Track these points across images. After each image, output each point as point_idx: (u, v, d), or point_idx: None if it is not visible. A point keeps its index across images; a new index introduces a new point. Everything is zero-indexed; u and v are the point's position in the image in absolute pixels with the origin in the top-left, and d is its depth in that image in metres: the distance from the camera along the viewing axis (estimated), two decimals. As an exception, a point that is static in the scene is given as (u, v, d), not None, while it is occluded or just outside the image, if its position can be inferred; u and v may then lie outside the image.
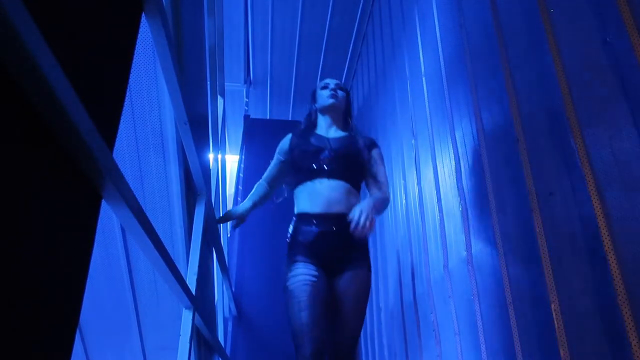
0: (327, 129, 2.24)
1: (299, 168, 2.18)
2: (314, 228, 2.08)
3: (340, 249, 2.09)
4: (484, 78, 1.78)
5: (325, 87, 2.30)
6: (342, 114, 2.26)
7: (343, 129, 2.23)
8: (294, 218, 2.18)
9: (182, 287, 1.38)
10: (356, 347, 2.07)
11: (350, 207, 2.06)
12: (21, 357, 0.52)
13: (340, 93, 2.26)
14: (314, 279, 1.99)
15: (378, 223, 3.44)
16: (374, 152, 2.16)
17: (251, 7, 4.42)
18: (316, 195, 2.10)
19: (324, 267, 2.09)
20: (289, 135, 2.25)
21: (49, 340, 0.59)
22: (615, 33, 1.08)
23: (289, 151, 2.21)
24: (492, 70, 1.70)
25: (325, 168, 2.09)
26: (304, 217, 2.12)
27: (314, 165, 2.12)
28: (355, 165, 2.14)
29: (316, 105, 2.27)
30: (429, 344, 2.24)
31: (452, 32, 2.13)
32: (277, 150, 2.29)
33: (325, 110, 2.25)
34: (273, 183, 2.26)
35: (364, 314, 2.07)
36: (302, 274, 2.00)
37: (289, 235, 2.16)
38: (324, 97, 2.26)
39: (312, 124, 2.27)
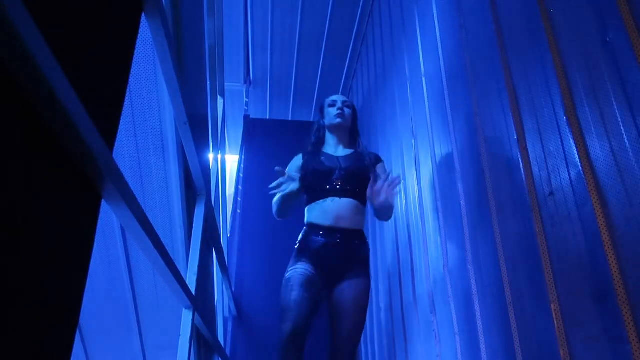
0: (335, 147, 2.39)
1: (312, 187, 2.32)
2: (320, 238, 2.24)
3: (342, 260, 2.25)
4: (484, 78, 1.78)
5: (332, 105, 2.44)
6: (349, 131, 2.41)
7: (350, 146, 2.39)
8: (305, 227, 2.33)
9: (182, 287, 1.38)
10: (355, 354, 2.15)
11: (356, 223, 2.29)
12: (21, 357, 0.52)
13: (347, 111, 2.40)
14: (310, 274, 2.15)
15: (379, 224, 3.44)
16: (378, 167, 2.32)
17: (251, 7, 4.42)
18: (327, 211, 2.25)
19: (324, 274, 2.26)
20: (300, 155, 2.39)
21: (49, 340, 0.59)
22: (615, 33, 1.08)
23: (302, 167, 2.34)
24: (491, 70, 1.70)
25: (338, 188, 2.25)
26: (314, 228, 2.28)
27: (327, 186, 2.28)
28: (363, 181, 2.27)
29: (324, 121, 2.41)
30: (428, 344, 2.24)
31: (452, 32, 2.13)
32: (289, 169, 2.37)
33: (332, 129, 2.39)
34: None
35: (363, 321, 2.22)
36: (301, 268, 2.17)
37: (298, 242, 2.32)
38: (332, 116, 2.40)
39: (320, 140, 2.43)
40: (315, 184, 2.31)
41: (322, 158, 2.36)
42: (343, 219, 2.25)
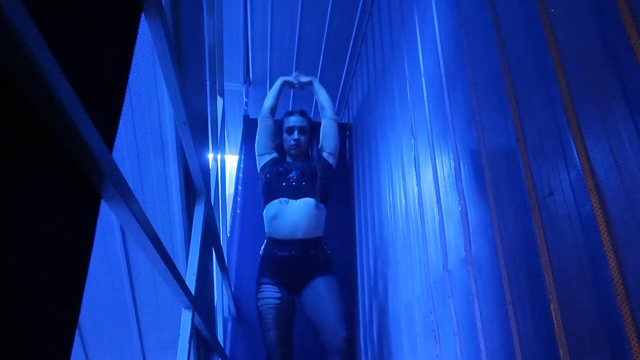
0: (294, 161, 2.73)
1: (269, 186, 2.58)
2: (278, 252, 2.45)
3: (301, 267, 2.46)
4: (483, 77, 1.78)
5: (289, 132, 2.73)
6: (304, 150, 2.75)
7: (306, 159, 2.73)
8: (265, 240, 2.57)
9: (182, 287, 1.38)
10: (351, 336, 2.34)
11: (312, 230, 2.48)
12: (20, 357, 0.52)
13: (302, 138, 2.70)
14: (277, 301, 2.39)
15: (378, 223, 3.43)
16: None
17: (250, 7, 4.42)
18: (282, 220, 2.47)
19: (288, 285, 2.48)
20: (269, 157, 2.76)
21: (48, 340, 0.59)
22: (615, 33, 1.08)
23: (263, 168, 2.69)
24: (491, 70, 1.70)
25: (293, 184, 2.52)
26: (271, 242, 2.51)
27: (283, 183, 2.54)
28: (316, 178, 2.59)
29: (283, 144, 2.76)
30: (428, 344, 2.24)
31: (451, 32, 2.14)
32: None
33: (290, 154, 2.74)
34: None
35: (343, 303, 2.44)
36: (267, 297, 2.40)
37: (259, 255, 2.55)
38: (288, 145, 2.72)
39: (282, 156, 2.77)
40: (272, 183, 2.57)
41: (283, 163, 2.69)
42: (298, 229, 2.47)
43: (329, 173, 2.70)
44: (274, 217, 2.49)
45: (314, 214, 2.50)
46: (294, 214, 2.45)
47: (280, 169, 2.60)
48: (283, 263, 2.45)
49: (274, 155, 2.72)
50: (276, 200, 2.49)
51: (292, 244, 2.45)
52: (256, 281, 2.51)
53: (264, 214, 2.59)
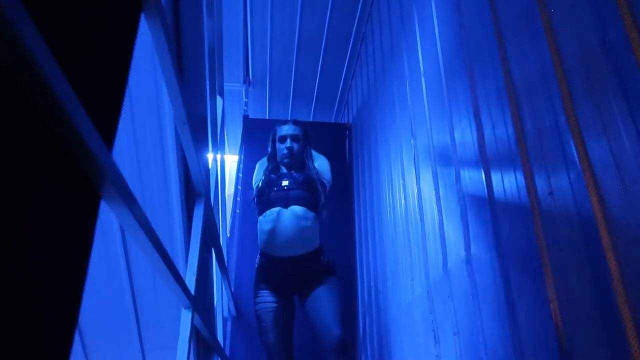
0: (288, 171, 2.70)
1: (261, 195, 2.59)
2: (272, 267, 2.47)
3: (299, 281, 2.48)
4: (483, 78, 1.78)
5: (282, 141, 2.70)
6: (299, 160, 2.69)
7: (301, 170, 2.67)
8: (259, 253, 2.57)
9: (181, 287, 1.38)
10: (346, 334, 2.44)
11: (305, 245, 2.46)
12: (20, 357, 0.52)
13: (295, 147, 2.65)
14: (274, 305, 2.42)
15: (377, 223, 3.44)
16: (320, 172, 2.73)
17: (250, 7, 4.42)
18: (275, 238, 2.44)
19: (285, 291, 2.51)
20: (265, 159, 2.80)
21: (48, 340, 0.59)
22: (614, 33, 1.08)
23: (261, 176, 2.71)
24: (491, 70, 1.70)
25: (285, 188, 2.52)
26: (264, 256, 2.51)
27: (275, 188, 2.54)
28: (311, 188, 2.57)
29: (276, 154, 2.73)
30: (427, 344, 2.24)
31: (451, 32, 2.14)
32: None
33: (283, 163, 2.70)
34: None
35: (341, 305, 2.46)
36: (265, 301, 2.44)
37: (255, 265, 2.58)
38: (281, 154, 2.68)
39: (276, 166, 2.74)
40: (265, 189, 2.57)
41: (277, 172, 2.69)
42: (293, 247, 2.45)
43: (325, 190, 2.70)
44: (266, 233, 2.46)
45: (305, 226, 2.46)
46: (286, 230, 2.42)
47: (272, 176, 2.60)
48: (279, 278, 2.47)
49: (267, 165, 2.72)
50: (268, 212, 2.48)
51: (288, 261, 2.46)
52: (254, 286, 2.53)
53: (258, 222, 2.57)
